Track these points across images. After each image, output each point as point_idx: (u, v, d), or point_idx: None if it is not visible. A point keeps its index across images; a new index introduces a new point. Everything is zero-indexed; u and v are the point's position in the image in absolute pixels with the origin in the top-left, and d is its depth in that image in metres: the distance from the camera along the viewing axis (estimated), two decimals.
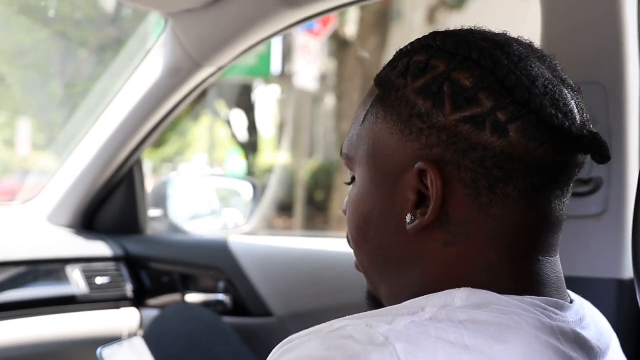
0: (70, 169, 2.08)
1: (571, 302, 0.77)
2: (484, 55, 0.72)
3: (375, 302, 0.85)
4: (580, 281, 1.24)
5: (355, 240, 0.82)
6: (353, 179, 0.82)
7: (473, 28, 0.77)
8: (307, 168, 9.99)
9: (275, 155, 11.72)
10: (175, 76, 1.85)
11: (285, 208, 9.77)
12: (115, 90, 1.98)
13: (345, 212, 0.85)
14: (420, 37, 0.78)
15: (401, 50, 0.79)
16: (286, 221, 9.75)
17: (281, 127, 12.03)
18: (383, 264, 0.79)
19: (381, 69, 0.80)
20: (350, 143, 0.81)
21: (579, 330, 0.73)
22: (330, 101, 11.36)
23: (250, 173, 11.03)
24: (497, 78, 0.70)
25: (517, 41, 0.76)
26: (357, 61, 8.99)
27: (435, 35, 0.76)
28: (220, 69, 1.87)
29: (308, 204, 9.54)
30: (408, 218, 0.74)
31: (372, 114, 0.78)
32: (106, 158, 2.03)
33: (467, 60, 0.72)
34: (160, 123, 2.00)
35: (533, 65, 0.72)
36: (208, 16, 1.69)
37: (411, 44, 0.79)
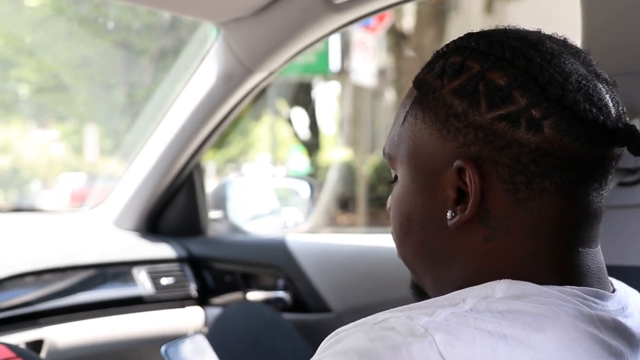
0: (134, 174, 2.15)
1: (613, 291, 0.78)
2: (517, 54, 0.74)
3: (419, 292, 0.87)
4: (628, 270, 1.24)
5: (399, 237, 0.85)
6: (396, 177, 0.85)
7: (507, 28, 0.79)
8: (368, 163, 9.95)
9: (337, 152, 11.70)
10: (228, 82, 1.89)
11: (348, 204, 9.75)
12: (173, 97, 2.04)
13: (389, 210, 0.88)
14: (455, 38, 0.81)
15: (437, 52, 0.82)
16: (350, 217, 9.73)
17: (342, 124, 12.00)
18: (426, 259, 0.82)
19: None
20: (392, 143, 0.84)
21: (620, 318, 0.73)
22: (389, 96, 11.28)
23: (313, 170, 11.04)
24: (530, 76, 0.72)
25: (551, 38, 0.78)
26: (416, 54, 8.92)
27: (469, 36, 0.78)
28: (271, 73, 1.90)
29: (371, 200, 9.51)
30: (449, 214, 0.76)
31: (411, 114, 0.80)
32: (167, 163, 2.09)
33: (500, 60, 0.74)
34: (216, 127, 2.04)
35: (566, 62, 0.74)
36: (257, 23, 1.73)
37: (446, 45, 0.81)
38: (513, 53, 0.74)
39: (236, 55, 1.82)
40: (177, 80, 2.05)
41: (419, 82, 0.81)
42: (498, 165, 0.73)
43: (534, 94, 0.72)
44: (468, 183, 0.74)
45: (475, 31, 0.80)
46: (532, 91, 0.72)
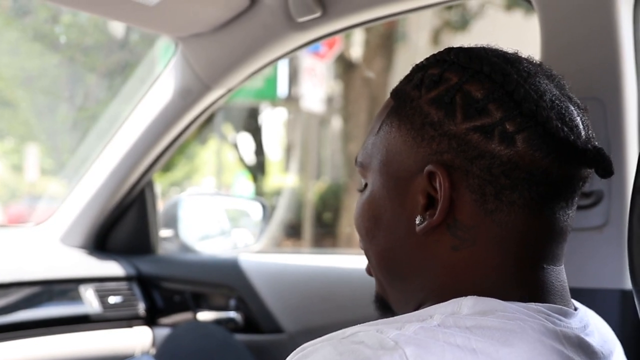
0: (83, 190, 2.10)
1: (575, 309, 0.79)
2: (495, 69, 0.75)
3: (383, 305, 0.87)
4: (584, 292, 1.26)
5: (364, 242, 0.85)
6: (365, 186, 0.85)
7: (486, 46, 0.81)
8: (314, 190, 9.97)
9: (283, 178, 11.70)
10: (185, 98, 1.87)
11: (293, 229, 9.74)
12: (126, 113, 2.01)
13: (355, 220, 0.87)
14: (436, 52, 0.82)
15: (417, 65, 0.83)
16: (295, 242, 9.72)
17: (288, 150, 12.02)
18: (392, 266, 0.82)
19: (393, 86, 0.84)
20: (365, 152, 0.85)
21: (582, 336, 0.75)
22: (337, 123, 11.36)
23: (258, 195, 11.01)
24: (506, 91, 0.74)
25: (527, 60, 0.80)
26: (363, 83, 9.00)
27: (449, 50, 0.80)
28: (229, 90, 1.89)
29: (316, 225, 9.52)
30: (417, 220, 0.77)
31: (387, 123, 0.81)
32: (118, 179, 2.05)
33: (478, 74, 0.76)
34: (171, 144, 2.02)
35: (541, 82, 0.76)
36: (217, 40, 1.72)
37: (427, 59, 0.82)
38: (491, 68, 0.75)
39: (194, 71, 1.81)
40: (129, 97, 2.03)
41: (396, 93, 0.82)
42: (469, 175, 0.74)
43: (509, 108, 0.73)
44: (438, 188, 0.75)
45: (455, 46, 0.81)
46: (507, 105, 0.73)
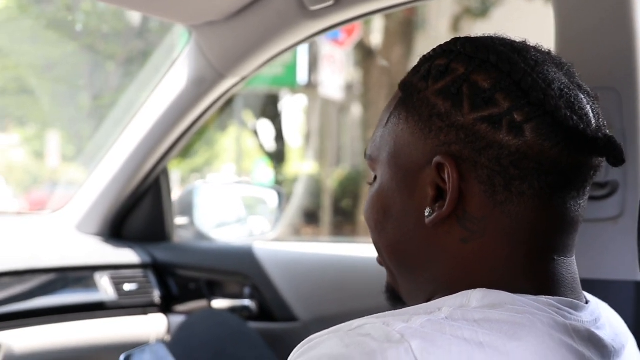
0: (98, 178, 2.11)
1: (587, 302, 0.78)
2: (502, 58, 0.74)
3: (393, 296, 0.87)
4: (597, 284, 1.25)
5: (374, 235, 0.85)
6: (375, 179, 0.85)
7: (493, 35, 0.80)
8: (334, 177, 9.98)
9: (302, 165, 11.73)
10: (199, 86, 1.87)
11: (312, 216, 9.77)
12: (142, 101, 2.01)
13: (365, 213, 0.87)
14: (442, 43, 0.81)
15: (424, 56, 0.82)
16: (314, 229, 9.75)
17: (308, 137, 12.03)
18: (402, 258, 0.82)
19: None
20: (374, 145, 0.84)
21: (593, 329, 0.74)
22: (356, 110, 11.35)
23: (278, 182, 11.03)
24: (513, 80, 0.73)
25: (535, 48, 0.79)
26: (383, 70, 8.98)
27: (456, 40, 0.79)
28: (243, 78, 1.89)
29: (335, 212, 9.54)
30: (427, 212, 0.76)
31: (395, 115, 0.81)
32: (133, 167, 2.06)
33: (485, 63, 0.75)
34: (185, 132, 2.02)
35: (549, 70, 0.75)
36: (230, 28, 1.72)
37: (433, 50, 0.82)
38: (498, 57, 0.75)
39: (208, 59, 1.81)
40: (145, 85, 2.03)
41: (404, 84, 0.81)
42: (477, 166, 0.73)
43: (517, 98, 0.72)
44: (446, 180, 0.74)
45: (462, 37, 0.80)
46: (514, 95, 0.73)
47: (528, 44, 0.79)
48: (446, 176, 0.74)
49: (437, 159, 0.75)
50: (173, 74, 1.91)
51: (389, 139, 0.81)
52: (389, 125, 0.82)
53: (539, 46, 0.80)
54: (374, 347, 0.64)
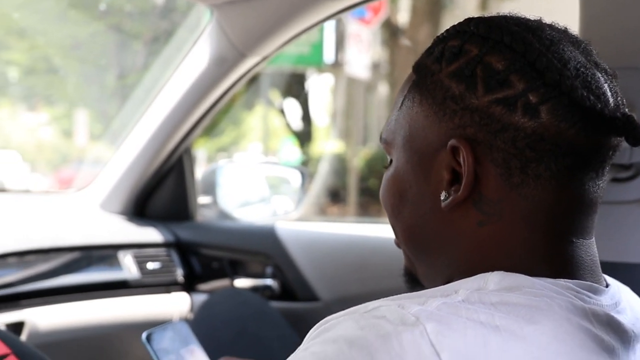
0: (122, 157, 2.12)
1: (607, 286, 0.77)
2: (516, 38, 0.73)
3: (412, 279, 0.86)
4: (621, 267, 1.23)
5: (391, 219, 0.85)
6: (390, 162, 0.84)
7: (507, 14, 0.78)
8: (360, 156, 9.96)
9: (328, 144, 11.71)
10: (220, 66, 1.87)
11: (338, 196, 9.77)
12: (164, 80, 2.02)
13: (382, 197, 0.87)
14: (456, 24, 0.80)
15: (437, 37, 0.81)
16: (339, 209, 9.75)
17: (335, 116, 12.01)
18: (419, 243, 0.81)
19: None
20: (389, 128, 0.83)
21: (613, 313, 0.73)
22: (383, 89, 11.31)
23: (305, 161, 11.05)
24: (528, 61, 0.72)
25: (551, 26, 0.77)
26: (409, 49, 8.93)
27: (469, 21, 0.78)
28: (264, 58, 1.88)
29: (361, 192, 9.53)
30: (442, 195, 0.76)
31: (409, 98, 0.80)
32: (156, 146, 2.07)
33: (499, 44, 0.73)
34: (207, 112, 2.02)
35: (565, 49, 0.73)
36: (251, 6, 1.71)
37: (447, 30, 0.80)
38: (512, 37, 0.73)
39: (229, 39, 1.80)
40: (168, 64, 2.03)
41: (417, 66, 0.80)
42: (493, 149, 0.72)
43: (532, 79, 0.71)
44: (462, 163, 0.73)
45: (475, 17, 0.79)
46: (529, 76, 0.71)
47: (543, 22, 0.78)
48: (461, 159, 0.73)
49: (451, 142, 0.74)
50: (195, 53, 1.91)
51: (404, 122, 0.80)
52: (403, 108, 0.81)
53: (555, 24, 0.78)
54: (389, 329, 0.64)
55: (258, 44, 1.80)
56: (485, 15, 0.78)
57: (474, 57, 0.74)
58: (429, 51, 0.80)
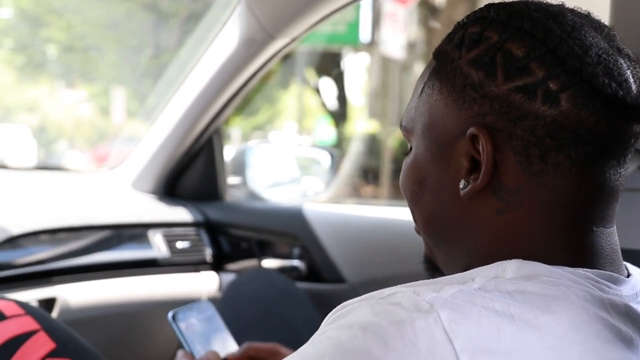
0: (154, 137, 2.14)
1: (628, 275, 0.77)
2: (536, 25, 0.72)
3: (431, 266, 0.87)
4: None
5: (410, 206, 0.85)
6: (410, 149, 0.84)
7: (529, 0, 0.77)
8: (394, 136, 9.92)
9: (363, 124, 11.68)
10: (249, 47, 1.86)
11: (372, 176, 9.75)
12: (195, 61, 2.02)
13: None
14: (476, 9, 0.79)
15: (458, 23, 0.80)
16: (373, 189, 9.74)
17: (370, 96, 11.96)
18: (437, 230, 0.81)
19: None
20: (409, 115, 0.83)
21: (633, 304, 0.72)
22: (418, 69, 11.21)
23: (340, 141, 11.03)
24: (548, 47, 0.71)
25: (572, 11, 0.76)
26: (446, 29, 8.83)
27: (489, 6, 0.77)
28: (293, 39, 1.87)
29: (395, 172, 9.50)
30: (461, 184, 0.75)
31: (429, 85, 0.79)
32: (186, 126, 2.08)
33: (519, 31, 0.73)
34: (237, 92, 2.03)
35: (587, 35, 0.72)
36: None
37: (467, 16, 0.80)
38: (532, 24, 0.72)
39: (258, 20, 1.80)
40: (200, 44, 2.04)
41: (437, 53, 0.80)
42: (512, 137, 0.72)
43: (552, 66, 0.70)
44: (481, 151, 0.73)
45: (495, 2, 0.78)
46: (550, 63, 0.71)
47: (565, 7, 0.77)
48: (480, 148, 0.73)
49: (471, 130, 0.73)
50: (224, 34, 1.91)
51: (423, 109, 0.80)
52: (423, 95, 0.81)
53: (577, 9, 0.77)
54: (403, 316, 0.64)
55: (287, 26, 1.79)
56: (506, 1, 0.77)
57: (493, 43, 0.73)
58: (449, 37, 0.79)
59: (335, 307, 0.71)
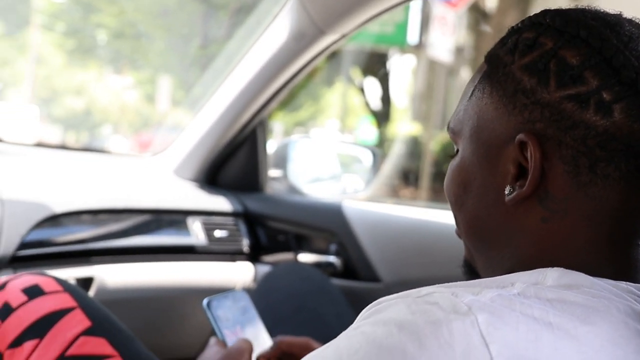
0: (198, 126, 2.15)
1: None
2: (593, 33, 0.71)
3: (470, 270, 0.86)
4: None
5: (453, 209, 0.84)
6: (457, 152, 0.83)
7: (585, 7, 0.76)
8: (437, 139, 9.87)
9: (407, 125, 11.64)
10: (299, 41, 1.86)
11: (411, 178, 9.72)
12: (244, 52, 2.03)
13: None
14: (531, 15, 0.79)
15: (512, 27, 0.80)
16: (412, 192, 9.71)
17: (414, 98, 11.92)
18: (480, 235, 0.80)
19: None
20: (457, 117, 0.83)
21: None
22: (465, 74, 11.14)
23: (381, 141, 11.02)
24: (604, 57, 0.70)
25: (630, 22, 0.75)
26: (496, 35, 8.76)
27: (545, 13, 0.77)
28: (343, 36, 1.87)
29: (435, 176, 9.45)
30: (507, 190, 0.75)
31: (479, 89, 0.79)
32: (231, 117, 2.09)
33: (575, 39, 0.72)
34: (284, 86, 2.03)
35: None
36: None
37: (522, 21, 0.79)
38: (588, 32, 0.72)
39: (309, 15, 1.80)
40: (249, 36, 2.04)
41: (490, 57, 0.80)
42: (562, 146, 0.71)
43: (607, 76, 0.70)
44: (529, 159, 0.72)
45: (552, 8, 0.77)
46: (604, 73, 0.70)
47: (622, 17, 0.76)
48: (529, 155, 0.72)
49: (520, 136, 0.73)
50: (275, 27, 1.91)
51: (472, 112, 0.79)
52: (472, 98, 0.80)
53: (636, 19, 0.76)
54: (440, 316, 0.64)
55: (338, 22, 1.78)
56: (563, 8, 0.77)
57: (548, 50, 0.72)
58: (502, 42, 0.79)
59: (368, 304, 0.71)
